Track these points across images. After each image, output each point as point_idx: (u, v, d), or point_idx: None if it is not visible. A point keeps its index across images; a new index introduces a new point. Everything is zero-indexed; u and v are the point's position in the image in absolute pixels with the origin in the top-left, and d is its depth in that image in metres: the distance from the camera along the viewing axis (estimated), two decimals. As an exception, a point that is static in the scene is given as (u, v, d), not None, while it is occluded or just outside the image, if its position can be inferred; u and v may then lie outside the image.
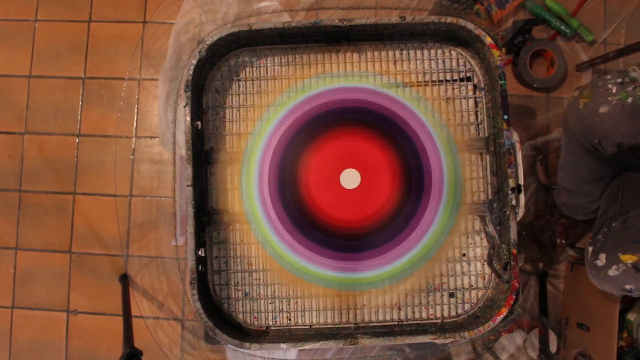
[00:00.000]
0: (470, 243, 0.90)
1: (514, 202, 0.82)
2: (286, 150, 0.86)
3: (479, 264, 0.90)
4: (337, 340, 0.82)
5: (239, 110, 0.94)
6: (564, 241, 1.31)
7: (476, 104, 0.92)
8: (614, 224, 0.95)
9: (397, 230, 0.84)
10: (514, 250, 0.81)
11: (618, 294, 0.96)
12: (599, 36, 1.44)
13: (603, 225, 0.99)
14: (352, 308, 0.90)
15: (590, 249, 0.98)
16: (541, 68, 1.47)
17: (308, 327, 0.90)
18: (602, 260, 0.94)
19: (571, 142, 0.99)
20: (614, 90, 0.87)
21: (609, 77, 0.90)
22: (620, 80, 0.88)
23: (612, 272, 0.91)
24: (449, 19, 0.86)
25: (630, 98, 0.85)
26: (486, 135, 0.91)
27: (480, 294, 0.90)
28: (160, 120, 1.39)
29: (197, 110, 0.90)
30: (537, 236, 1.32)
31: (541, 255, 1.32)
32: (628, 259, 0.88)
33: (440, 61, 0.93)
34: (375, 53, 0.94)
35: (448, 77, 0.93)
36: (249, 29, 0.87)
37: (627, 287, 0.91)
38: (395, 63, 0.94)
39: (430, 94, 0.93)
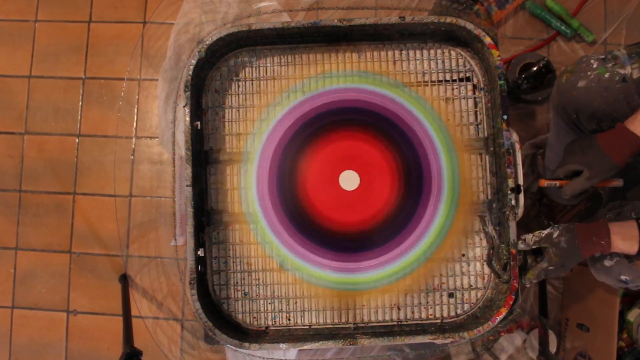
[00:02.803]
0: (470, 243, 0.90)
1: (513, 202, 0.82)
2: (285, 150, 0.86)
3: (478, 264, 0.90)
4: (337, 340, 0.82)
5: (238, 111, 0.94)
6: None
7: (475, 104, 0.92)
8: (607, 215, 0.96)
9: (396, 230, 0.84)
10: (514, 251, 0.81)
11: (615, 285, 0.98)
12: (599, 36, 1.44)
13: (599, 217, 1.00)
14: (351, 308, 0.90)
15: None
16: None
17: (307, 327, 0.90)
18: None
19: (556, 118, 1.02)
20: (594, 65, 0.90)
21: (594, 54, 0.93)
22: (603, 57, 0.91)
23: (607, 262, 0.92)
24: (449, 19, 0.86)
25: (608, 74, 0.88)
26: (485, 135, 0.91)
27: (479, 294, 0.89)
28: (160, 121, 1.39)
29: (197, 111, 0.90)
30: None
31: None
32: None
33: (439, 61, 0.93)
34: (375, 53, 0.93)
35: (447, 77, 0.93)
36: (248, 29, 0.87)
37: (623, 277, 0.92)
38: (394, 63, 0.94)
39: (430, 94, 0.93)
